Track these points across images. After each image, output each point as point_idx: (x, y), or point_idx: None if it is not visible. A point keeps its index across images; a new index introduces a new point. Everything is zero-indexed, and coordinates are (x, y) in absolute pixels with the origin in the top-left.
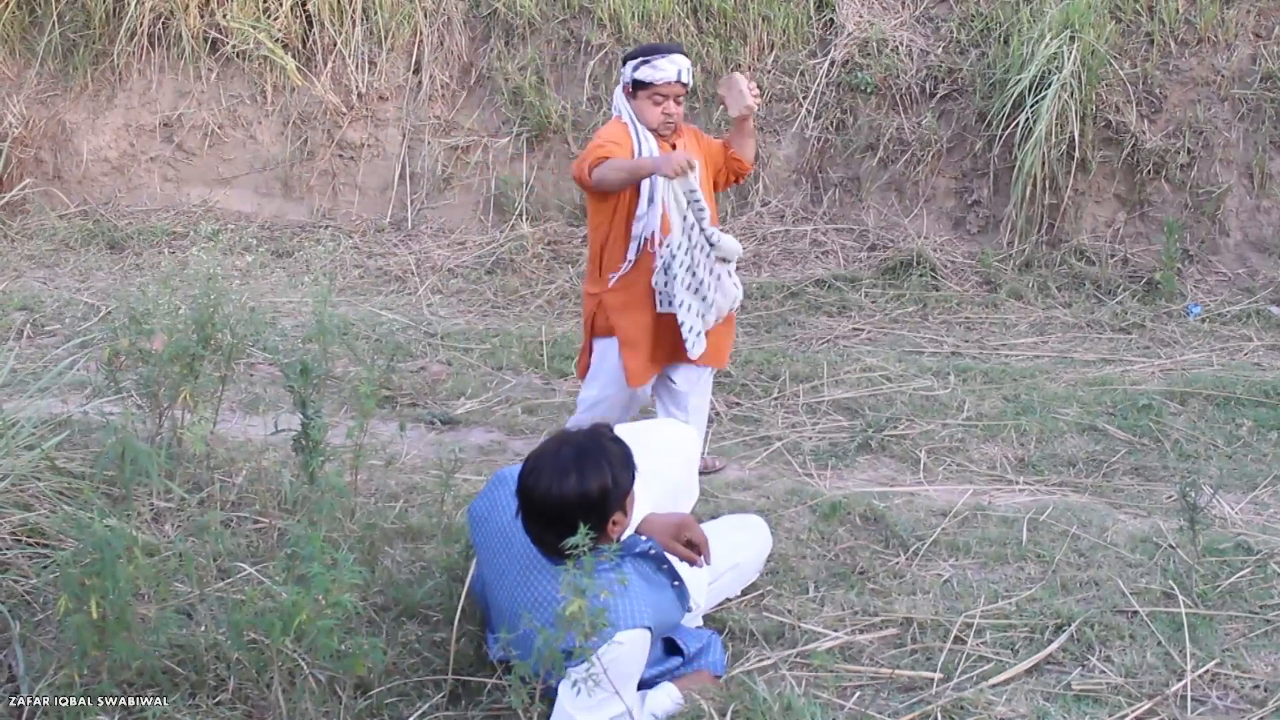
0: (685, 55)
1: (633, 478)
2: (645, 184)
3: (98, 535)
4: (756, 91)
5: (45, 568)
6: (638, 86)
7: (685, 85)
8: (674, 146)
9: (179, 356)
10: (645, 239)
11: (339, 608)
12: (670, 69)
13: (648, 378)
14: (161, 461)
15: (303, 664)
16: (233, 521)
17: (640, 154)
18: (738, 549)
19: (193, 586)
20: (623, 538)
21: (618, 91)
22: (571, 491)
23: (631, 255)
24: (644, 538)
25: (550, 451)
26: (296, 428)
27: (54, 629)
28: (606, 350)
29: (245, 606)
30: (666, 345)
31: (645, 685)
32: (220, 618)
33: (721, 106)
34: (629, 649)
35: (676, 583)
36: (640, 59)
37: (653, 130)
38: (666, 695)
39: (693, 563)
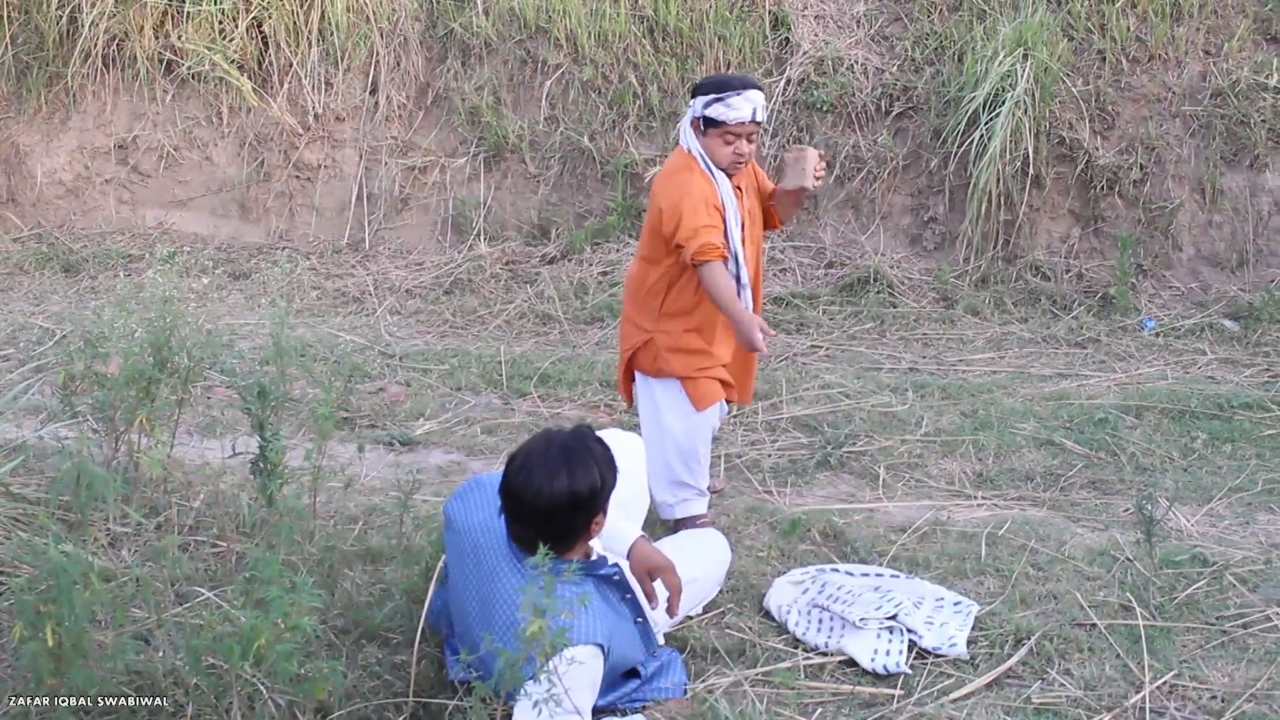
0: (761, 90)
1: (616, 478)
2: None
3: (53, 561)
4: (821, 172)
5: (0, 595)
6: (708, 124)
7: (759, 124)
8: (739, 187)
9: (135, 380)
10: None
11: (298, 631)
12: (745, 108)
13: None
14: (118, 486)
15: (262, 688)
16: (190, 545)
17: (725, 201)
18: (691, 562)
19: (150, 612)
20: (594, 548)
21: (685, 124)
22: (562, 491)
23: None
24: (611, 562)
25: (539, 450)
26: (254, 450)
27: (9, 657)
28: (651, 386)
29: (203, 631)
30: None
31: (609, 713)
32: (178, 643)
33: (677, 125)
34: (579, 666)
35: (640, 619)
36: (713, 96)
37: (722, 169)
38: None
39: (650, 601)
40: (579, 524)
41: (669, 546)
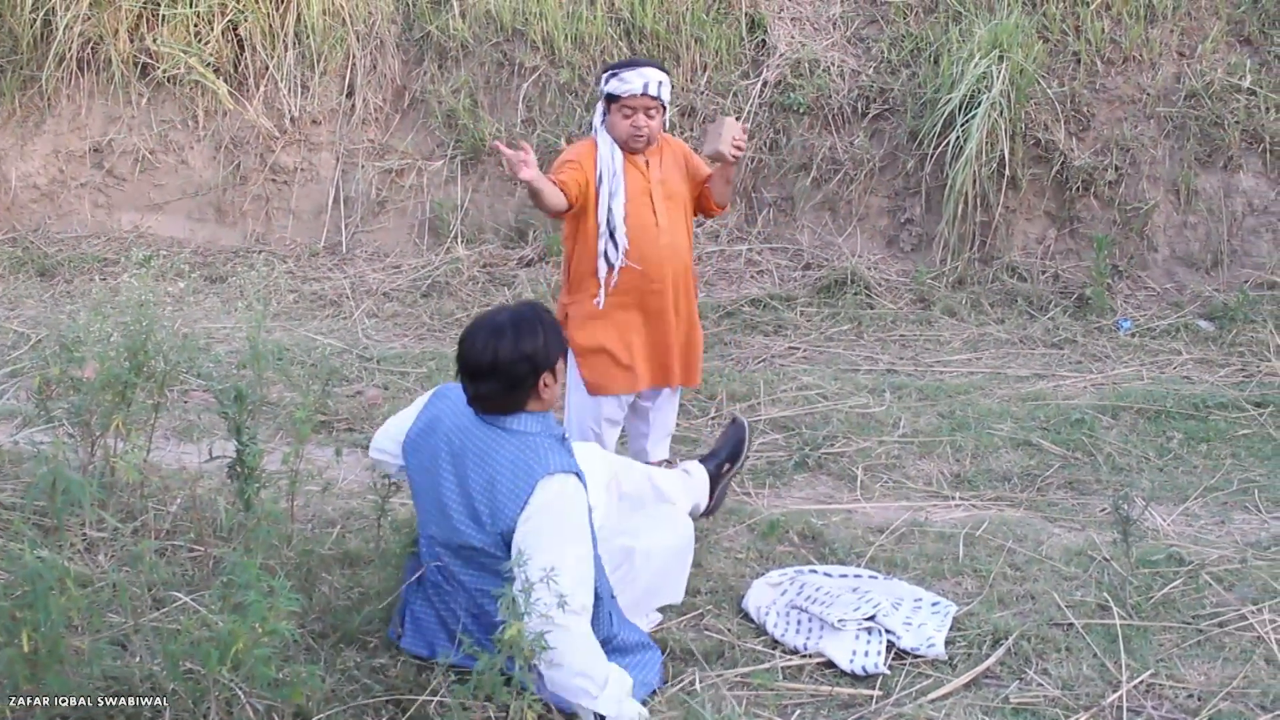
0: (660, 69)
1: (562, 346)
2: (603, 208)
3: (29, 567)
4: (740, 143)
5: None
6: (609, 100)
7: (656, 98)
8: (647, 162)
9: (111, 384)
10: (616, 261)
11: (276, 635)
12: (637, 81)
13: (612, 389)
14: (94, 491)
15: (240, 693)
16: (167, 550)
17: (604, 170)
18: (651, 543)
19: (127, 617)
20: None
21: (598, 106)
22: (507, 347)
23: (603, 274)
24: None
25: (488, 317)
26: (231, 454)
27: None
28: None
29: (181, 636)
30: (650, 364)
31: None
32: (155, 648)
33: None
34: (566, 490)
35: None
36: (610, 72)
37: (622, 144)
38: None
39: None
40: (526, 377)
41: (634, 519)
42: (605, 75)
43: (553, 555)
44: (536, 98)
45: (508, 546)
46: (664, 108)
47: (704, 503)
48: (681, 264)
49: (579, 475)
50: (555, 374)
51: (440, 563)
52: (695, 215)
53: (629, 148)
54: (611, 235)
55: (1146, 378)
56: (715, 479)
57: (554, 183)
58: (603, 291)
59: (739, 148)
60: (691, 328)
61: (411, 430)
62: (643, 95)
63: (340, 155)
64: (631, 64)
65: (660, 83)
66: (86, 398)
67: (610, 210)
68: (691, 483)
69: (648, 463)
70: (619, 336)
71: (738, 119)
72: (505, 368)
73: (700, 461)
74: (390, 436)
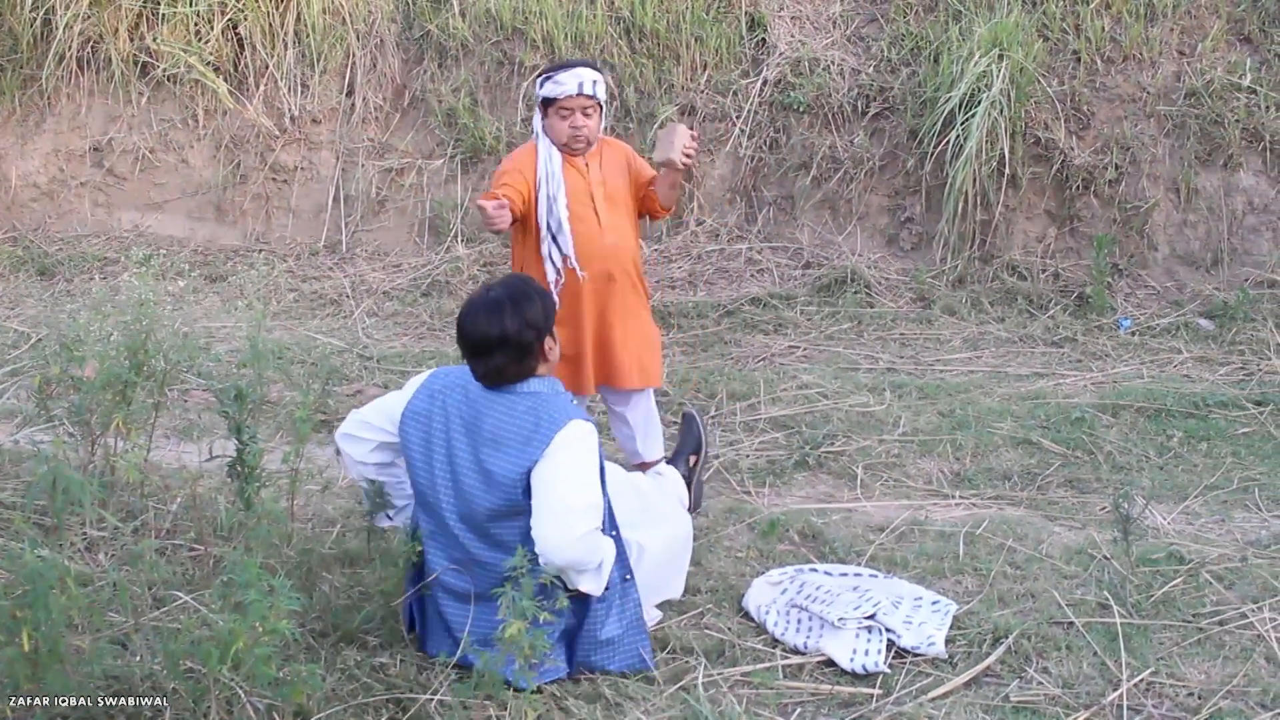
0: (595, 69)
1: (555, 307)
2: (544, 210)
3: (29, 566)
4: (691, 150)
5: None
6: (546, 103)
7: (592, 98)
8: (587, 164)
9: (111, 383)
10: (560, 263)
11: (276, 635)
12: (571, 82)
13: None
14: (94, 490)
15: (240, 693)
16: (168, 549)
17: (543, 174)
18: (652, 540)
19: (127, 616)
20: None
21: (536, 111)
22: (508, 320)
23: (551, 277)
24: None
25: (480, 296)
26: (231, 454)
27: None
28: None
29: (181, 635)
30: (596, 364)
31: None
32: (156, 647)
33: (654, 126)
34: (583, 433)
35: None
36: (545, 75)
37: (563, 146)
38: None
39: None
40: (532, 344)
41: (634, 515)
42: (540, 79)
43: (572, 479)
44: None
45: (525, 491)
46: (601, 106)
47: (685, 501)
48: (626, 264)
49: (593, 425)
50: (554, 335)
51: (460, 555)
52: (641, 217)
53: (570, 149)
54: (554, 238)
55: (1147, 376)
56: (688, 478)
57: (500, 199)
58: (555, 291)
59: (689, 155)
60: (642, 326)
61: (411, 404)
62: (579, 95)
63: (340, 154)
64: (565, 65)
65: (595, 81)
66: (87, 397)
67: (551, 213)
68: (666, 484)
69: (643, 464)
70: (565, 337)
71: (734, 116)
72: (514, 338)
73: (669, 463)
74: (383, 414)
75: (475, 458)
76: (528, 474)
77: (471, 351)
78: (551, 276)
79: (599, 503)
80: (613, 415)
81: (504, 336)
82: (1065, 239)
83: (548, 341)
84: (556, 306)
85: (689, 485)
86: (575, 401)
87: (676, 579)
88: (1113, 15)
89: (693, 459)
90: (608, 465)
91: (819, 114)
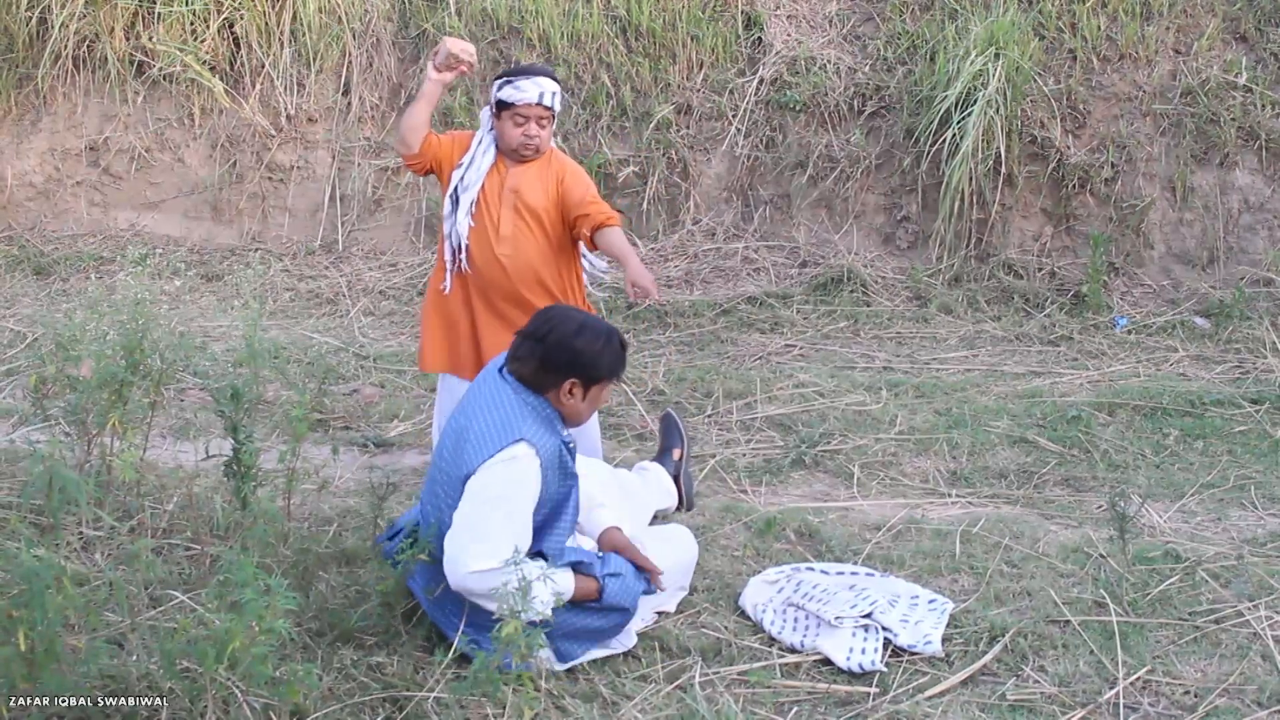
0: (553, 79)
1: (611, 374)
2: (451, 185)
3: (26, 566)
4: (643, 296)
5: None
6: (501, 106)
7: (549, 109)
8: (508, 169)
9: (107, 383)
10: (457, 245)
11: (273, 634)
12: (533, 90)
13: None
14: (90, 489)
15: (237, 692)
16: (164, 549)
17: (473, 165)
18: (661, 558)
19: (124, 616)
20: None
21: (485, 109)
22: (563, 333)
23: (449, 257)
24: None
25: (579, 310)
26: (228, 453)
27: None
28: None
29: (177, 635)
30: (470, 358)
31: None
32: (152, 647)
33: (650, 125)
34: (527, 460)
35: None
36: (505, 79)
37: (511, 152)
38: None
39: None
40: (560, 368)
41: (637, 540)
42: (499, 82)
43: (488, 509)
44: None
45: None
46: (554, 117)
47: (673, 496)
48: (523, 278)
49: (543, 458)
50: (585, 391)
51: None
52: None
53: (519, 155)
54: (454, 229)
55: (1143, 375)
56: (676, 475)
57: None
58: (449, 277)
59: (647, 292)
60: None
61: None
62: (537, 104)
63: (336, 153)
64: (527, 71)
65: (554, 93)
66: (83, 396)
67: (456, 201)
68: (650, 477)
69: None
70: (448, 318)
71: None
72: (550, 346)
73: (654, 462)
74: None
75: (456, 425)
76: (467, 477)
77: (522, 332)
78: (449, 260)
79: (507, 540)
80: None
81: (545, 338)
82: (1061, 238)
83: (574, 383)
84: (621, 370)
85: (678, 482)
86: (570, 444)
87: (676, 594)
88: (1108, 14)
89: (678, 453)
90: (590, 461)
91: (815, 113)
